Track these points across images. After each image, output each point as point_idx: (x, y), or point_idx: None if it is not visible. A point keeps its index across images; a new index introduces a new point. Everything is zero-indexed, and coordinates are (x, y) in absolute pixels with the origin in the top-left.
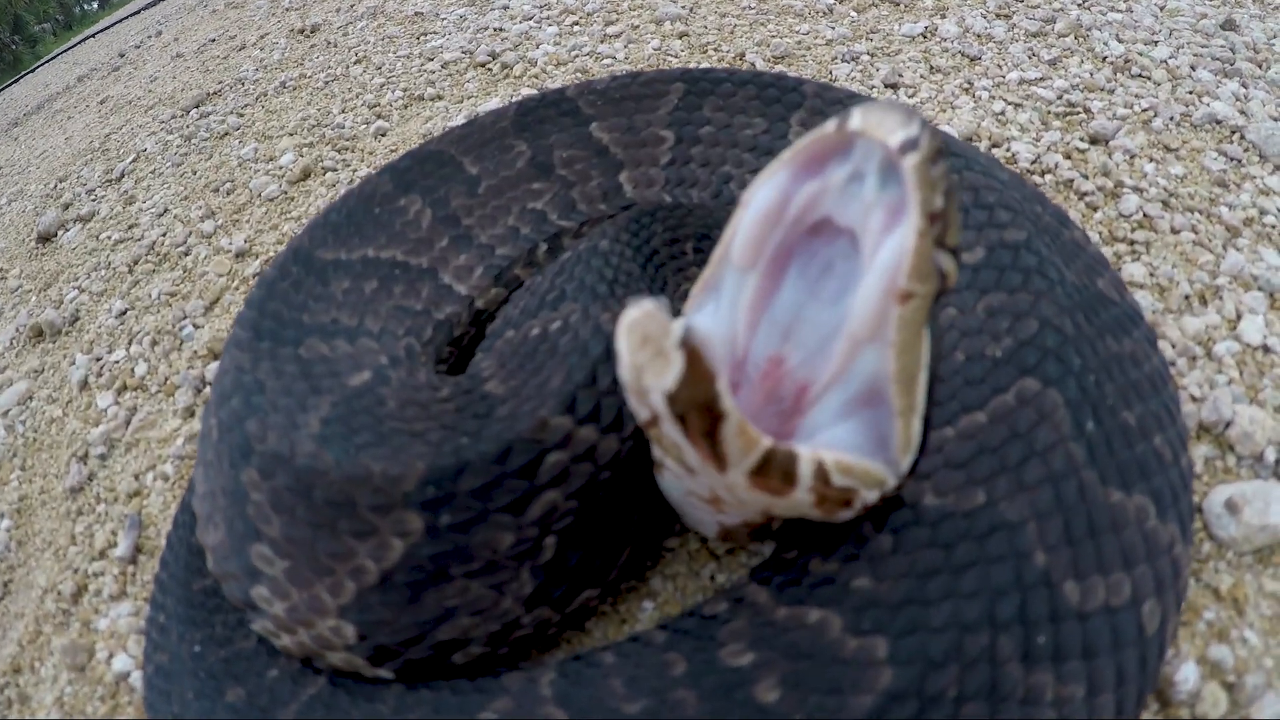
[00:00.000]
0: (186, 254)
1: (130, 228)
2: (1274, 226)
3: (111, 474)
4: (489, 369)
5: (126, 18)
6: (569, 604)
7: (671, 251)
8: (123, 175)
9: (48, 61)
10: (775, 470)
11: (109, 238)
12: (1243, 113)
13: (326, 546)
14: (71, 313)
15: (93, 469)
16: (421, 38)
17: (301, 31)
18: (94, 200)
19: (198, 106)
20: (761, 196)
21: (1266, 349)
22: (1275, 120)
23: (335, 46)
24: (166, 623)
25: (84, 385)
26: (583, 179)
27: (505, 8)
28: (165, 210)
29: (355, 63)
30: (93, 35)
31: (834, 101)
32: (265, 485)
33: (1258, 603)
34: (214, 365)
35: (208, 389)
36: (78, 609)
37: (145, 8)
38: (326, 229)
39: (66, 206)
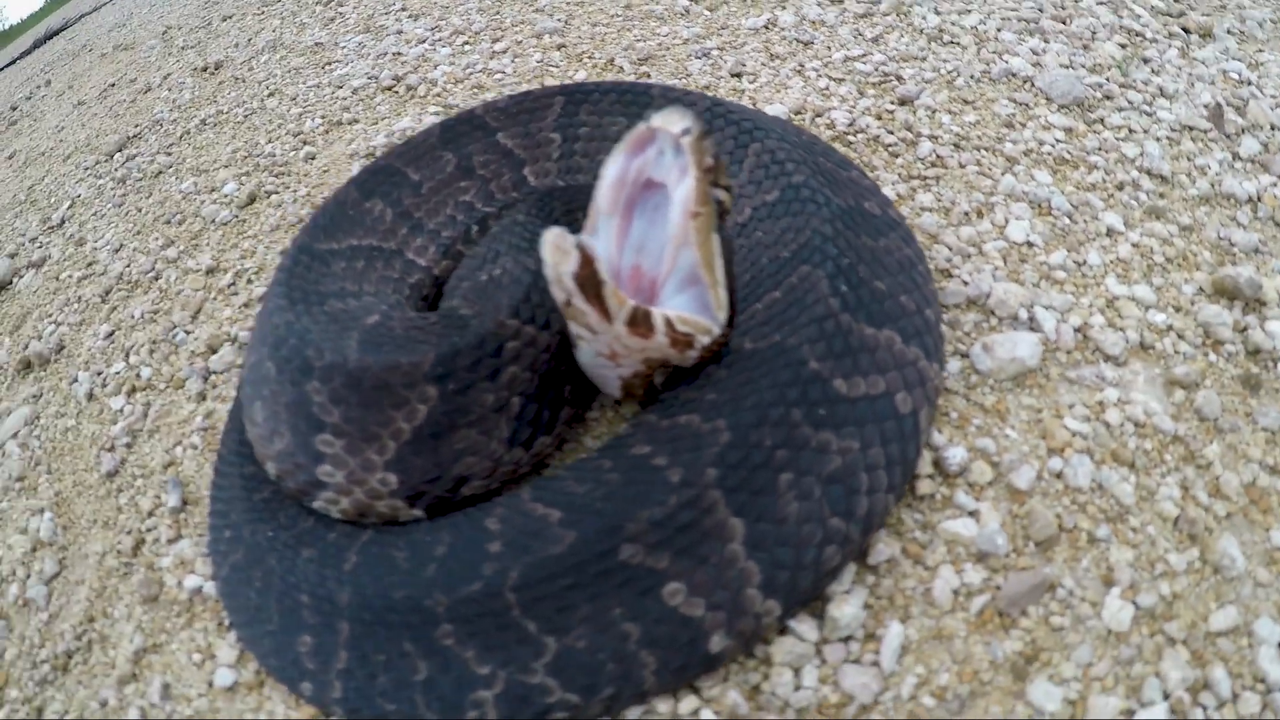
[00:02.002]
0: (157, 278)
1: (89, 265)
2: (1050, 154)
3: (141, 455)
4: (458, 303)
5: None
6: (532, 446)
7: (568, 220)
8: (63, 221)
9: None
10: (640, 321)
11: (70, 276)
12: (1036, 65)
13: (374, 418)
14: (55, 343)
15: (122, 455)
16: (326, 67)
17: (205, 70)
18: (40, 247)
19: (120, 150)
20: (611, 169)
21: (1029, 244)
22: (1065, 68)
23: (244, 81)
24: (233, 533)
25: (91, 396)
26: (497, 175)
27: (400, 32)
28: (121, 246)
29: (269, 95)
30: None
31: (674, 99)
32: (325, 388)
33: (1017, 413)
34: (215, 358)
35: (214, 377)
36: (139, 559)
37: (19, 58)
38: (317, 229)
39: (13, 256)
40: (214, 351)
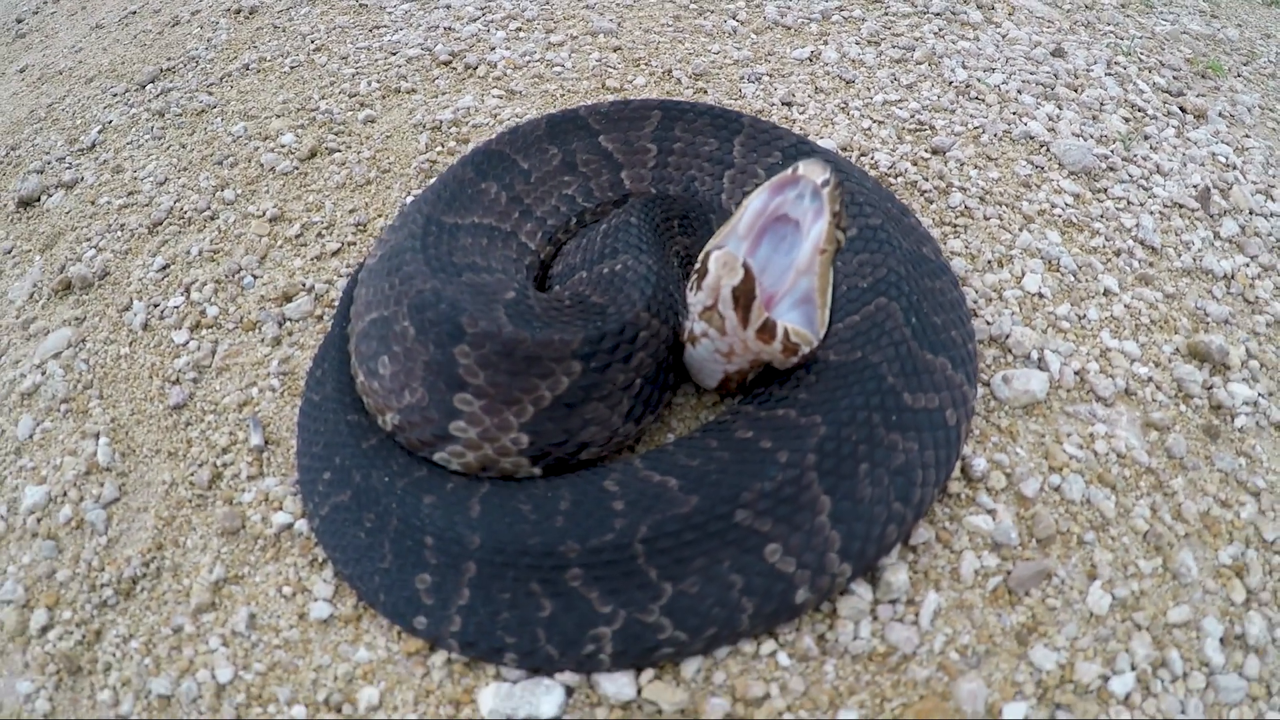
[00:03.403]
0: (213, 218)
1: (130, 194)
2: (1060, 216)
3: (210, 392)
4: (586, 291)
5: None
6: (640, 423)
7: (666, 225)
8: (94, 145)
9: None
10: (768, 329)
11: (109, 203)
12: (1051, 130)
13: (520, 384)
14: (100, 269)
15: (190, 390)
16: (374, 30)
17: (238, 12)
18: (70, 169)
19: (153, 82)
20: (756, 202)
21: (1040, 295)
22: (1075, 136)
23: (284, 31)
24: (336, 475)
25: (147, 326)
26: (596, 175)
27: (448, 6)
28: (165, 180)
29: (315, 50)
30: None
31: (763, 130)
32: (475, 353)
33: (1025, 434)
34: (290, 306)
35: (289, 324)
36: (214, 493)
37: None
38: (439, 203)
39: (40, 173)
40: (289, 299)
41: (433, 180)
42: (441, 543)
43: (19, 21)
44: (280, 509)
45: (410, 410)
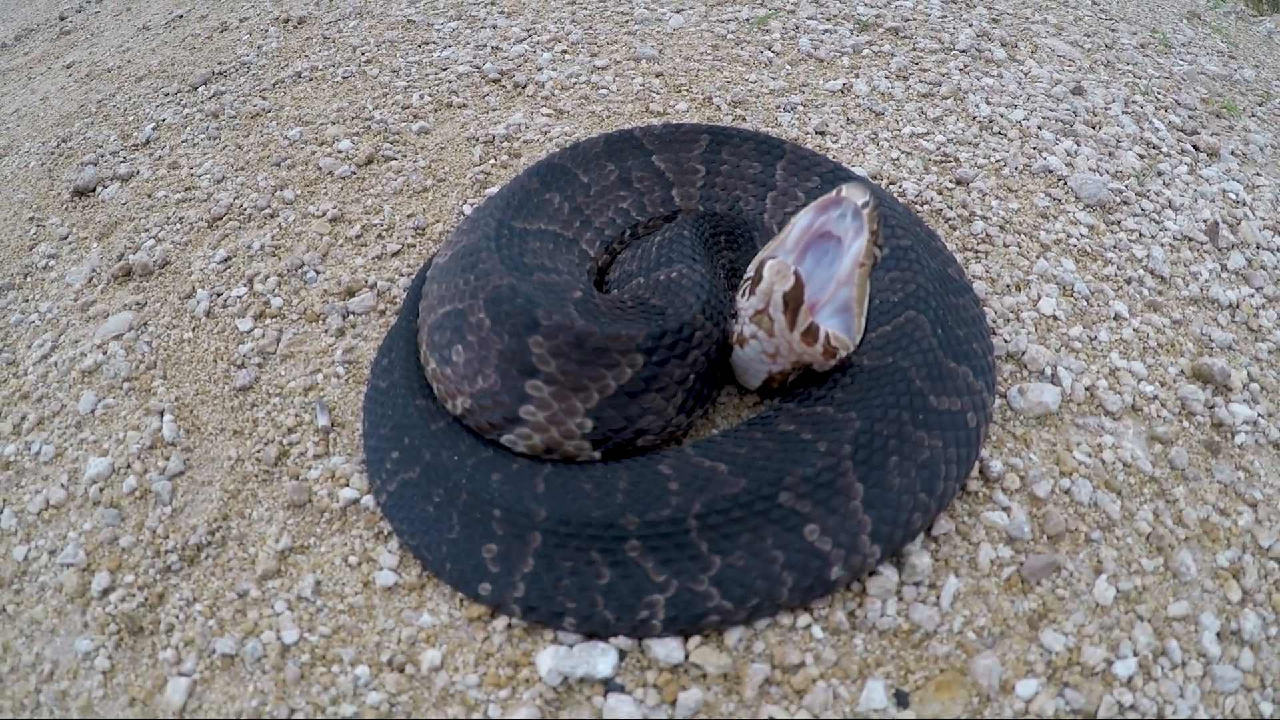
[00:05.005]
0: (273, 216)
1: (188, 189)
2: (1075, 245)
3: (276, 376)
4: (645, 295)
5: None
6: (692, 415)
7: (715, 239)
8: (148, 141)
9: None
10: (812, 332)
11: (165, 197)
12: (1069, 165)
13: (588, 373)
14: (160, 258)
15: (255, 373)
16: (424, 46)
17: (287, 22)
18: (124, 162)
19: (206, 84)
20: (803, 220)
21: (1055, 317)
22: (1092, 171)
23: (334, 43)
24: (404, 454)
25: (210, 314)
26: (649, 191)
27: (495, 26)
28: (223, 177)
29: (366, 62)
30: None
31: (804, 156)
32: (548, 343)
33: (1038, 443)
34: (354, 301)
35: (353, 317)
36: (280, 469)
37: None
38: (509, 208)
39: (95, 165)
40: (352, 295)
41: (491, 190)
42: (509, 515)
43: (62, 19)
44: (347, 485)
45: (482, 395)
